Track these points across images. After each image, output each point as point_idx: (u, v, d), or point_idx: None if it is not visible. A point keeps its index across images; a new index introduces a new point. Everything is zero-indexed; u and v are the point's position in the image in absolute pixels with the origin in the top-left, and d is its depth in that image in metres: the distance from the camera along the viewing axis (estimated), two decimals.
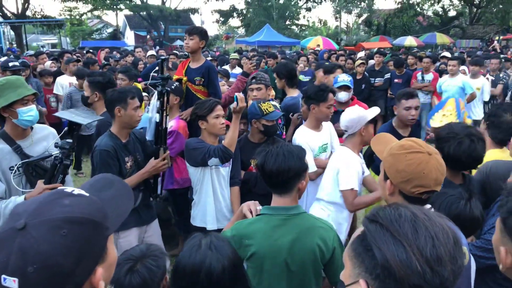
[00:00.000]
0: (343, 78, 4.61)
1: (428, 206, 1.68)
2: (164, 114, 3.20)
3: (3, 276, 0.86)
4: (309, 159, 3.28)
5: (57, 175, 2.47)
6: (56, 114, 2.90)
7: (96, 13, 33.50)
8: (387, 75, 8.81)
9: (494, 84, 7.87)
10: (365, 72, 8.77)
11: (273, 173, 1.96)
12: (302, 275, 2.00)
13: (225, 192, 3.33)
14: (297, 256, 1.97)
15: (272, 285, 1.99)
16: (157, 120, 3.20)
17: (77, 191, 1.01)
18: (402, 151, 1.63)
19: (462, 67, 8.26)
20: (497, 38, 26.35)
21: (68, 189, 1.01)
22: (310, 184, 3.19)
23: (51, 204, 0.93)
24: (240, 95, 3.06)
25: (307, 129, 3.63)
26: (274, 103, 3.71)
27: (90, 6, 31.35)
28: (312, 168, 3.38)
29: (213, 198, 3.27)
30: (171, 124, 3.72)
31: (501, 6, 27.39)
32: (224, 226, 2.64)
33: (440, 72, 8.62)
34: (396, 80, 8.74)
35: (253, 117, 3.41)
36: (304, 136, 3.55)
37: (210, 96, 4.33)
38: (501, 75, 8.20)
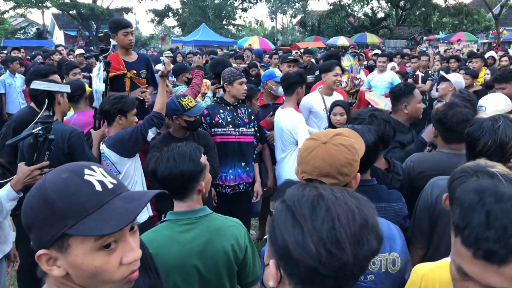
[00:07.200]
0: (280, 73, 4.65)
1: None
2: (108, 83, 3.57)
3: None
4: (306, 133, 3.69)
5: (43, 152, 2.29)
6: (32, 86, 2.48)
7: (20, 11, 31.21)
8: (318, 72, 9.01)
9: (423, 80, 8.26)
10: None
11: (165, 179, 1.81)
12: (215, 280, 1.87)
13: None
14: (209, 260, 1.84)
15: None
16: (103, 90, 3.45)
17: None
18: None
19: (392, 64, 8.66)
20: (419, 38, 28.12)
21: None
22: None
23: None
24: (165, 58, 3.21)
25: (293, 110, 3.93)
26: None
27: (12, 4, 29.21)
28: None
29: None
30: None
31: (423, 9, 29.21)
32: None
33: (370, 68, 8.97)
34: None
35: (173, 113, 3.29)
36: (296, 116, 3.85)
37: (155, 89, 4.29)
38: (430, 72, 8.67)
